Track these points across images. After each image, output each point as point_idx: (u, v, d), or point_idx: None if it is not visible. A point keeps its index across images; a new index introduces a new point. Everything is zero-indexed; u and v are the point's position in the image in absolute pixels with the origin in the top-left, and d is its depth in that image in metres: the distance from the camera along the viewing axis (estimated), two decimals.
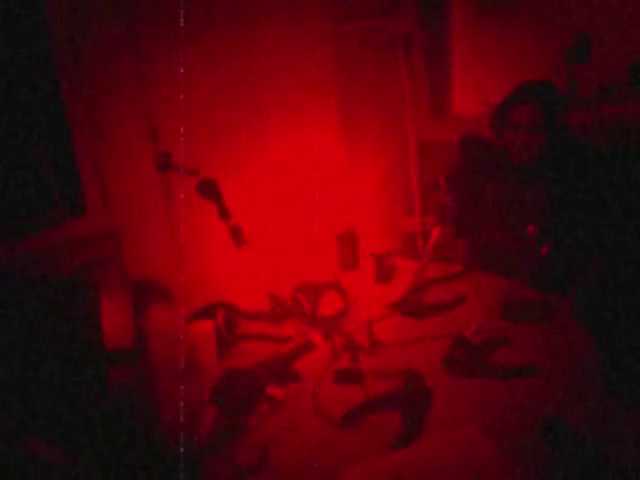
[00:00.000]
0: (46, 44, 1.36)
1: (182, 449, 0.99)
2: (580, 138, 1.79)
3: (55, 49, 1.37)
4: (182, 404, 1.04)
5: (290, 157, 2.05)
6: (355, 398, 1.18)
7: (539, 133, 1.70)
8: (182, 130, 1.64)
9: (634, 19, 2.36)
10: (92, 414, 0.87)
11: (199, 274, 1.71)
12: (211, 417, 1.11)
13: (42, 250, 1.26)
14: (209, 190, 1.51)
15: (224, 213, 1.52)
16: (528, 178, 1.78)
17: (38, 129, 1.39)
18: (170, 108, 1.62)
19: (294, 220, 2.04)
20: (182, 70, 1.64)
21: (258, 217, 1.83)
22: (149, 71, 1.56)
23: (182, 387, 1.04)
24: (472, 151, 2.00)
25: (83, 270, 1.20)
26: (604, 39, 2.43)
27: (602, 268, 1.65)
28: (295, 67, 2.05)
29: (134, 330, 0.94)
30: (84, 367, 0.89)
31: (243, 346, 1.51)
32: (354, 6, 2.35)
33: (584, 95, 2.45)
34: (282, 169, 2.01)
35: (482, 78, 2.71)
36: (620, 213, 1.68)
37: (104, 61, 1.45)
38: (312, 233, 2.10)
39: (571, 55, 2.47)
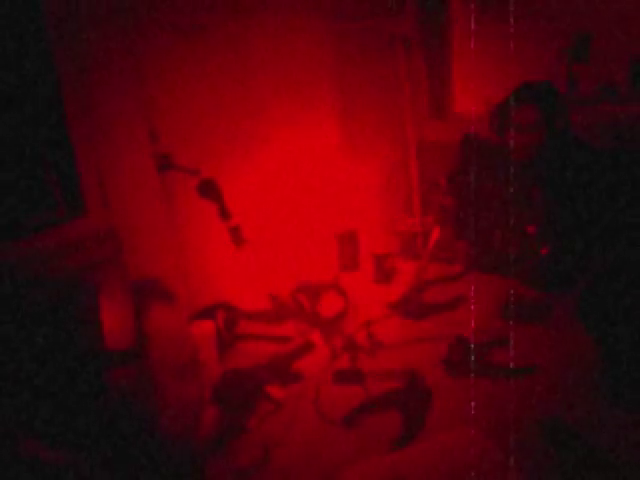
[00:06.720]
0: (46, 45, 1.36)
1: (182, 449, 0.99)
2: (580, 138, 1.79)
3: (56, 50, 1.37)
4: (182, 404, 1.04)
5: (290, 157, 2.05)
6: (355, 398, 1.18)
7: (539, 133, 1.70)
8: (182, 131, 1.64)
9: (634, 19, 2.36)
10: (92, 415, 0.87)
11: (199, 274, 1.71)
12: (211, 417, 1.12)
13: (42, 250, 1.26)
14: (209, 190, 1.51)
15: (224, 213, 1.52)
16: (528, 178, 1.78)
17: (38, 129, 1.39)
18: (170, 109, 1.62)
19: (294, 220, 2.04)
20: (182, 70, 1.64)
21: (258, 217, 1.83)
22: (149, 72, 1.56)
23: (182, 387, 1.04)
24: (472, 151, 2.00)
25: (83, 271, 1.20)
26: (604, 38, 2.43)
27: (602, 268, 1.65)
28: (294, 67, 2.05)
29: (134, 330, 0.94)
30: (84, 368, 0.90)
31: (243, 346, 1.51)
32: (354, 6, 2.35)
33: (584, 95, 2.45)
34: (282, 169, 2.01)
35: (482, 78, 2.71)
36: (620, 213, 1.68)
37: (105, 61, 1.46)
38: (312, 233, 2.09)
39: (571, 55, 2.47)
